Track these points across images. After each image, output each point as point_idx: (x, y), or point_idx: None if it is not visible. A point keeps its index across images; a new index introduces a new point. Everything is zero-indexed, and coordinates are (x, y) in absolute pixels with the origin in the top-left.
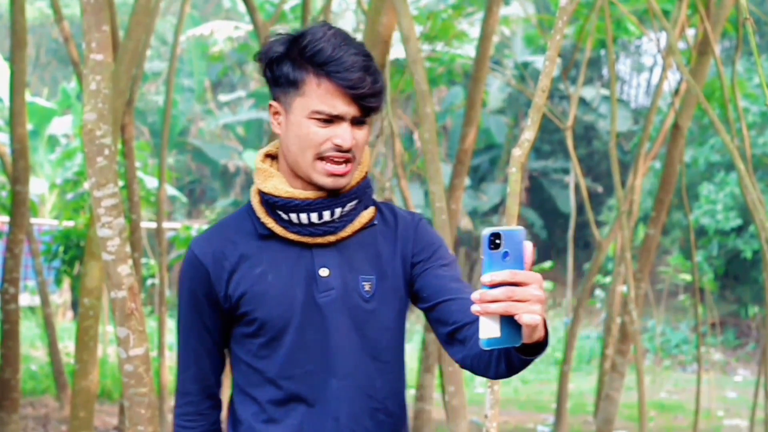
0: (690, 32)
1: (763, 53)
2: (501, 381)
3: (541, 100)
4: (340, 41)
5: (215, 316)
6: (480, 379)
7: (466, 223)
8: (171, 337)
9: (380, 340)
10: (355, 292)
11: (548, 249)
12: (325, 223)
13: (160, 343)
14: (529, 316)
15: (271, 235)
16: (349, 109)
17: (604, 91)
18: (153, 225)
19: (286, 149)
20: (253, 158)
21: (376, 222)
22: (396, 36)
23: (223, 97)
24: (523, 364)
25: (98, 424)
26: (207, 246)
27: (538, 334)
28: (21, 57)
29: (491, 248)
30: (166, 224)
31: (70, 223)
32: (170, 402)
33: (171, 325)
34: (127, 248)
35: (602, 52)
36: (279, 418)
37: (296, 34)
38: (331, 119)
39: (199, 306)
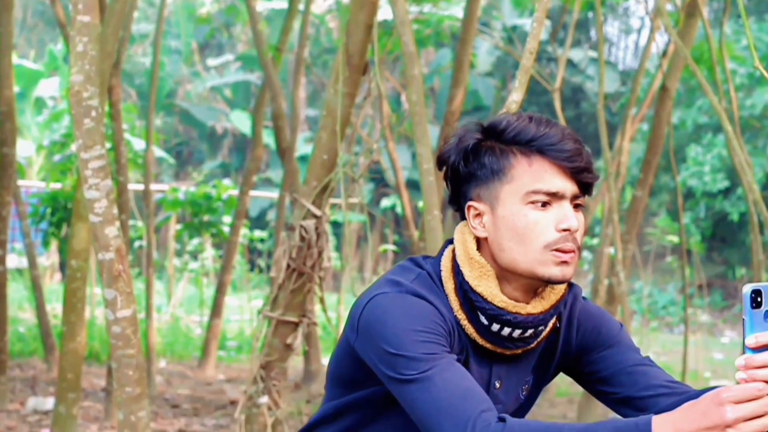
0: None
1: (751, 15)
2: None
3: (528, 61)
4: (541, 119)
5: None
6: None
7: None
8: (159, 298)
9: None
10: (516, 398)
11: None
12: (523, 338)
13: (147, 304)
14: None
15: (457, 324)
16: (568, 185)
17: (592, 53)
18: (140, 187)
19: (497, 249)
20: (240, 119)
21: (558, 326)
22: None
23: (210, 60)
24: None
25: (86, 386)
26: (437, 305)
27: None
28: (8, 19)
29: (753, 306)
30: (153, 186)
31: (58, 185)
32: (158, 364)
33: (159, 287)
34: (115, 210)
35: (590, 14)
36: None
37: (486, 124)
38: (549, 200)
39: (439, 340)
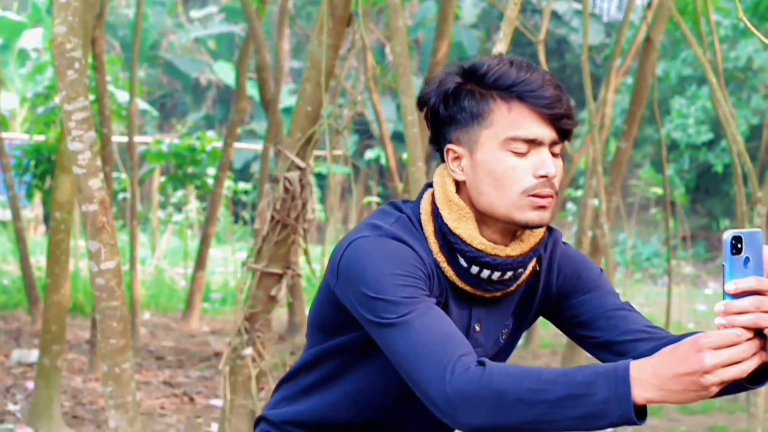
0: None
1: None
2: None
3: (513, 13)
4: (521, 63)
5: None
6: None
7: None
8: (143, 250)
9: None
10: (496, 342)
11: None
12: (502, 281)
13: (131, 256)
14: None
15: (438, 267)
16: (546, 132)
17: (577, 5)
18: (124, 139)
19: (475, 193)
20: (224, 71)
21: (538, 269)
22: None
23: (194, 12)
24: (737, 390)
25: (70, 338)
26: (414, 242)
27: None
28: None
29: (733, 253)
30: (137, 138)
31: (41, 138)
32: (142, 315)
33: (143, 239)
34: (98, 162)
35: None
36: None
37: (466, 66)
38: (528, 147)
39: (418, 282)
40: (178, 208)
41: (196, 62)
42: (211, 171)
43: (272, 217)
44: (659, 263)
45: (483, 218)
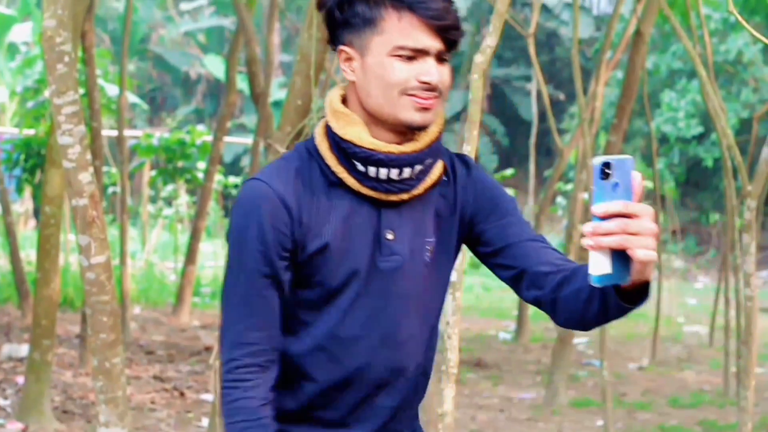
0: None
1: None
2: (463, 287)
3: (503, 6)
4: None
5: (286, 262)
6: None
7: None
8: (133, 244)
9: (431, 305)
10: (418, 258)
11: (510, 156)
12: (403, 180)
13: (122, 251)
14: (643, 251)
15: (340, 184)
16: (433, 43)
17: None
18: (114, 133)
19: (364, 94)
20: (214, 64)
21: (445, 178)
22: None
23: (184, 5)
24: (619, 312)
25: (60, 332)
26: (284, 184)
27: (648, 274)
28: None
29: (602, 178)
30: (127, 132)
31: (31, 131)
32: (132, 310)
33: (133, 233)
34: (88, 156)
35: None
36: (318, 378)
37: None
38: (414, 55)
39: (271, 247)
40: (168, 202)
41: (186, 56)
42: (202, 165)
43: None
44: None
45: (374, 120)
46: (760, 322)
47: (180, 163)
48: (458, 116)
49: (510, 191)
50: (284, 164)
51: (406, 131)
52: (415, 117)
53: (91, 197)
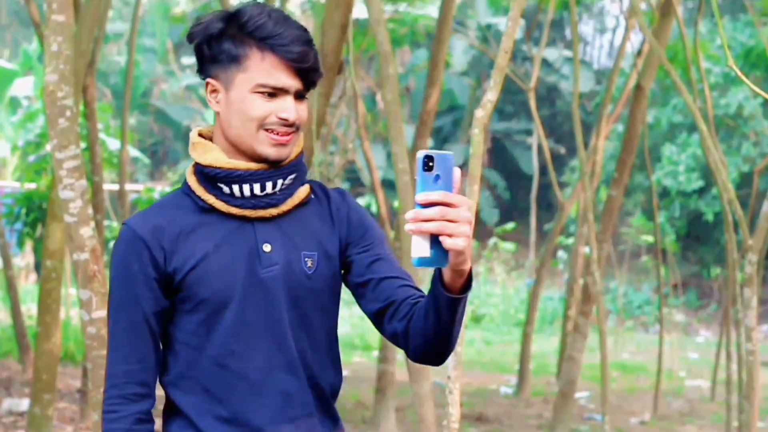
0: None
1: (725, 14)
2: (464, 342)
3: (503, 61)
4: (279, 17)
5: (150, 294)
6: None
7: None
8: None
9: (315, 318)
10: (297, 268)
11: (511, 210)
12: (267, 195)
13: None
14: (450, 240)
15: (211, 210)
16: (293, 83)
17: (567, 53)
18: (115, 187)
19: (226, 125)
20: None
21: (312, 197)
22: None
23: (185, 59)
24: (449, 307)
25: (61, 387)
26: (145, 222)
27: (465, 263)
28: None
29: (425, 170)
30: (128, 186)
31: (33, 185)
32: None
33: None
34: (90, 210)
35: (565, 13)
36: (223, 398)
37: (233, 12)
38: (275, 93)
39: (133, 283)
40: None
41: (187, 110)
42: None
43: None
44: (651, 311)
45: (234, 149)
46: (761, 376)
47: None
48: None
49: (511, 245)
50: (156, 204)
51: (263, 162)
52: (270, 151)
53: (93, 251)
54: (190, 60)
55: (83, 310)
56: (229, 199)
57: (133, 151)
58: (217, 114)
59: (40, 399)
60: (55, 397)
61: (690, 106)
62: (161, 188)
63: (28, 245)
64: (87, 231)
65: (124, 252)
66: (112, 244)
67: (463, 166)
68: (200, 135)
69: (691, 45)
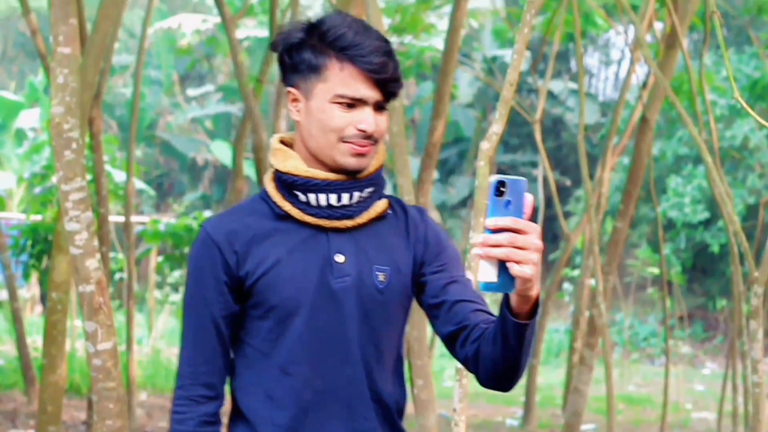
0: (658, 26)
1: (730, 46)
2: (470, 375)
3: (509, 93)
4: (359, 27)
5: (220, 298)
6: (449, 373)
7: (434, 216)
8: (139, 331)
9: (384, 333)
10: (369, 281)
11: None
12: (343, 206)
13: (128, 337)
14: (519, 268)
15: (287, 217)
16: (372, 94)
17: (572, 85)
18: (121, 219)
19: (306, 134)
20: (221, 150)
21: (389, 213)
22: None
23: (191, 91)
24: (516, 333)
25: (66, 419)
26: (220, 225)
27: (532, 290)
28: None
29: (496, 195)
30: (134, 218)
31: (38, 217)
32: (139, 396)
33: (140, 319)
34: (95, 242)
35: (570, 45)
36: (286, 406)
37: (314, 22)
38: (353, 103)
39: (203, 285)
40: (175, 288)
41: (193, 142)
42: None
43: None
44: (657, 343)
45: (314, 158)
46: None
47: (187, 249)
48: (465, 202)
49: None
50: (234, 208)
51: (342, 172)
52: (350, 161)
53: (98, 283)
54: (195, 92)
55: (89, 342)
56: (305, 207)
57: (139, 183)
58: (297, 123)
59: (45, 431)
60: (60, 429)
61: (695, 138)
62: (167, 220)
63: (34, 277)
64: (92, 263)
65: (197, 255)
66: (117, 276)
67: (469, 198)
68: (282, 142)
69: (697, 77)
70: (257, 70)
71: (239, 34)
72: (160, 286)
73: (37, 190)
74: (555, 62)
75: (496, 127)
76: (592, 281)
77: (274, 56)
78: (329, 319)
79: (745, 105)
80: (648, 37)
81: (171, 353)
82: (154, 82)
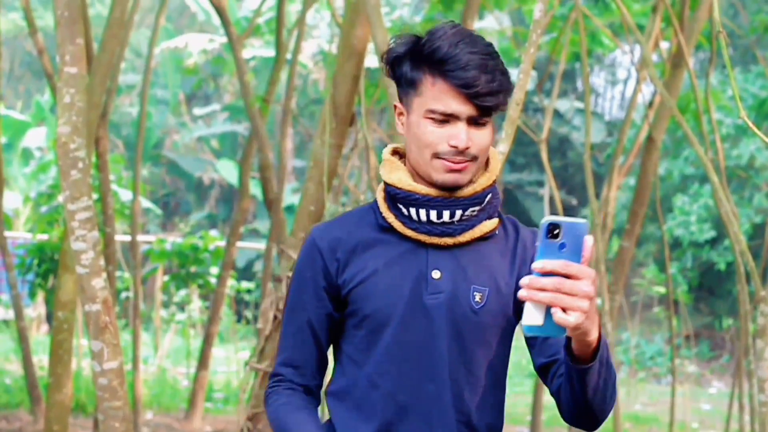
0: (664, 45)
1: (736, 66)
2: None
3: (515, 112)
4: (457, 39)
5: (318, 303)
6: None
7: None
8: (145, 350)
9: (478, 354)
10: (464, 300)
11: None
12: (444, 223)
13: (134, 356)
14: (562, 315)
15: (390, 229)
16: (463, 108)
17: (579, 104)
18: (127, 238)
19: (408, 149)
20: (227, 169)
21: (497, 233)
22: (371, 47)
23: (197, 110)
24: (578, 376)
25: None
26: (326, 232)
27: (587, 335)
28: None
29: (548, 237)
30: (140, 237)
31: (45, 237)
32: (145, 416)
33: (146, 338)
34: (101, 261)
35: (576, 64)
36: (371, 417)
37: (420, 35)
38: (446, 119)
39: (303, 289)
40: (181, 307)
41: (199, 161)
42: (214, 270)
43: (275, 317)
44: (663, 362)
45: (417, 173)
46: None
47: (193, 269)
48: None
49: None
50: (344, 215)
51: (440, 188)
52: (445, 178)
53: (104, 302)
54: (201, 111)
55: (95, 361)
56: (407, 221)
57: (145, 202)
58: (403, 137)
59: None
60: None
61: (701, 158)
62: (173, 239)
63: (40, 296)
64: (99, 282)
65: (302, 259)
66: (123, 295)
67: None
68: (396, 151)
69: (703, 96)
70: (263, 89)
71: (246, 53)
72: (166, 305)
73: (44, 209)
74: (561, 82)
75: (503, 146)
76: (599, 300)
77: (281, 76)
78: (418, 334)
79: (751, 124)
80: (654, 57)
81: (177, 372)
82: (161, 101)
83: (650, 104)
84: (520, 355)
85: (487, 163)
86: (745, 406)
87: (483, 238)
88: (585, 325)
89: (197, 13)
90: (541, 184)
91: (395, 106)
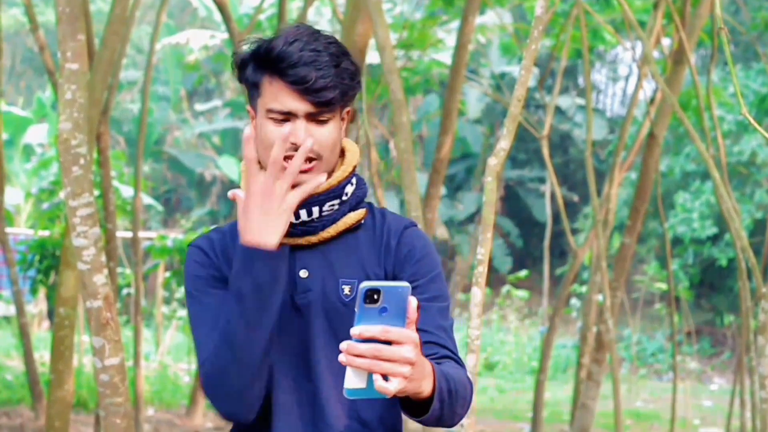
0: (665, 42)
1: (737, 62)
2: (477, 389)
3: (516, 109)
4: (294, 38)
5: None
6: None
7: (442, 232)
8: (147, 346)
9: None
10: (333, 294)
11: (524, 258)
12: (304, 223)
13: (135, 352)
14: (382, 384)
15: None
16: (300, 105)
17: (580, 101)
18: (129, 234)
19: (259, 153)
20: (229, 165)
21: (364, 223)
22: (372, 44)
23: (198, 106)
24: (418, 419)
25: None
26: (208, 241)
27: (418, 393)
28: None
29: (366, 302)
30: (141, 233)
31: (46, 233)
32: (146, 412)
33: (147, 334)
34: (103, 258)
35: (578, 61)
36: (261, 424)
37: (269, 37)
38: (285, 118)
39: (210, 286)
40: (182, 303)
41: (200, 157)
42: None
43: None
44: (664, 359)
45: None
46: None
47: None
48: (472, 218)
49: (524, 293)
50: (218, 227)
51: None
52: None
53: (106, 299)
54: (203, 107)
55: (96, 358)
56: None
57: (147, 199)
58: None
59: None
60: None
61: (703, 154)
62: (174, 235)
63: (42, 292)
64: (100, 278)
65: (193, 265)
66: (124, 291)
67: (476, 214)
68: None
69: (704, 93)
70: None
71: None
72: (167, 301)
73: (45, 205)
74: (563, 78)
75: (504, 142)
76: (600, 297)
77: None
78: (294, 335)
79: (752, 121)
80: (656, 53)
81: (178, 368)
82: (162, 97)
83: (652, 101)
84: (520, 353)
85: (343, 155)
86: (747, 402)
87: (350, 230)
88: (411, 388)
89: (198, 10)
90: (542, 180)
91: (248, 111)
